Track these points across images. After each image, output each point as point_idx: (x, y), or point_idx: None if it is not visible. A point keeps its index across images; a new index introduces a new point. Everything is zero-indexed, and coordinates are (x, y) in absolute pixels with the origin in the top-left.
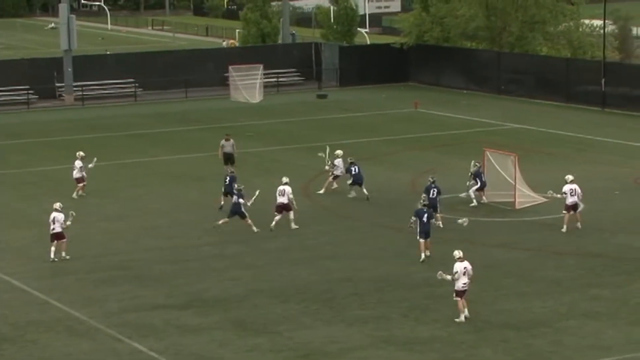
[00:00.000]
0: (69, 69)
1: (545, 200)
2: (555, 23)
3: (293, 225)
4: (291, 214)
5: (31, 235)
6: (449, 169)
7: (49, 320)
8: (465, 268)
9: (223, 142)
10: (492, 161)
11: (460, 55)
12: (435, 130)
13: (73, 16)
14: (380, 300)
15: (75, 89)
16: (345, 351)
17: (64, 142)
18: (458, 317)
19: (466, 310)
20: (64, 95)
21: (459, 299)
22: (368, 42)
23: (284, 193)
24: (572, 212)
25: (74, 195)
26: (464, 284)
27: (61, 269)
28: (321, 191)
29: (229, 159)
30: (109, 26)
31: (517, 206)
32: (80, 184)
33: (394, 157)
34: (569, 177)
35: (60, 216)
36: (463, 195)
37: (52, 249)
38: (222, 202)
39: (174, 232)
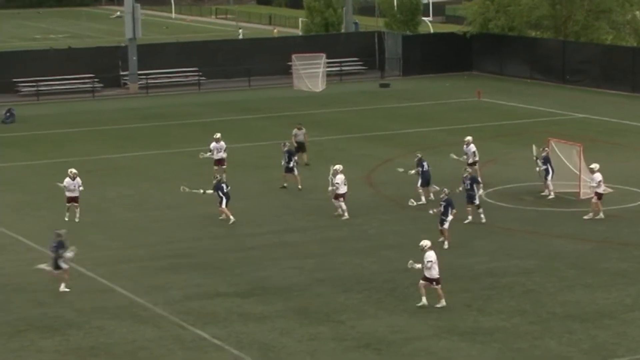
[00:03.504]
0: (134, 58)
1: (610, 191)
2: (622, 12)
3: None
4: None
5: (93, 223)
6: (511, 158)
7: (114, 307)
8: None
9: (295, 130)
10: (557, 151)
11: (524, 44)
12: (498, 119)
13: (138, 5)
14: (443, 291)
15: (139, 77)
16: (408, 341)
17: (127, 131)
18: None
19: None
20: (128, 83)
21: (435, 286)
22: (431, 31)
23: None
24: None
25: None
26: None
27: (124, 257)
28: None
29: (300, 147)
30: (173, 15)
31: (582, 197)
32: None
33: (457, 148)
34: (596, 166)
35: (75, 182)
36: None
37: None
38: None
39: (235, 220)
